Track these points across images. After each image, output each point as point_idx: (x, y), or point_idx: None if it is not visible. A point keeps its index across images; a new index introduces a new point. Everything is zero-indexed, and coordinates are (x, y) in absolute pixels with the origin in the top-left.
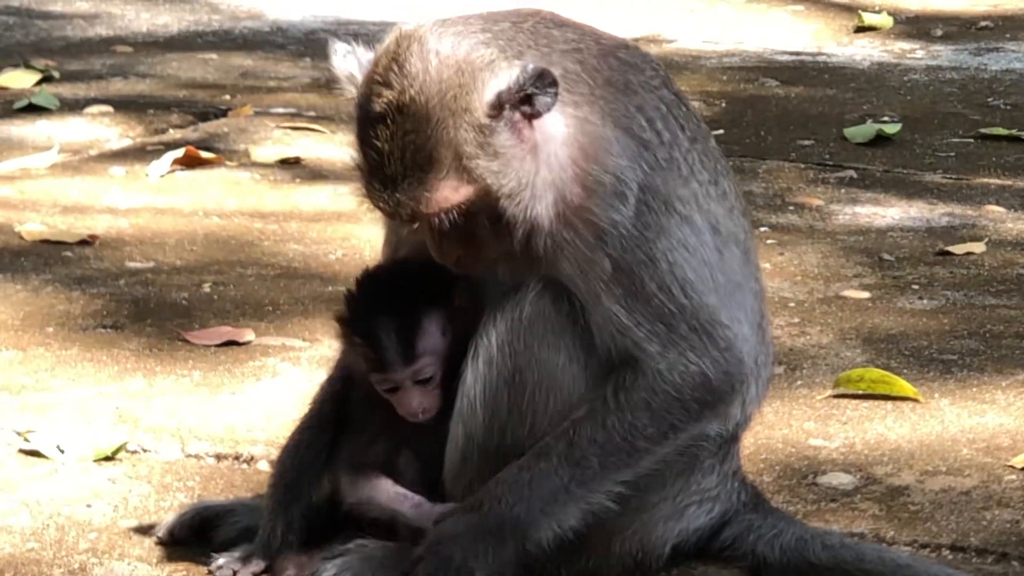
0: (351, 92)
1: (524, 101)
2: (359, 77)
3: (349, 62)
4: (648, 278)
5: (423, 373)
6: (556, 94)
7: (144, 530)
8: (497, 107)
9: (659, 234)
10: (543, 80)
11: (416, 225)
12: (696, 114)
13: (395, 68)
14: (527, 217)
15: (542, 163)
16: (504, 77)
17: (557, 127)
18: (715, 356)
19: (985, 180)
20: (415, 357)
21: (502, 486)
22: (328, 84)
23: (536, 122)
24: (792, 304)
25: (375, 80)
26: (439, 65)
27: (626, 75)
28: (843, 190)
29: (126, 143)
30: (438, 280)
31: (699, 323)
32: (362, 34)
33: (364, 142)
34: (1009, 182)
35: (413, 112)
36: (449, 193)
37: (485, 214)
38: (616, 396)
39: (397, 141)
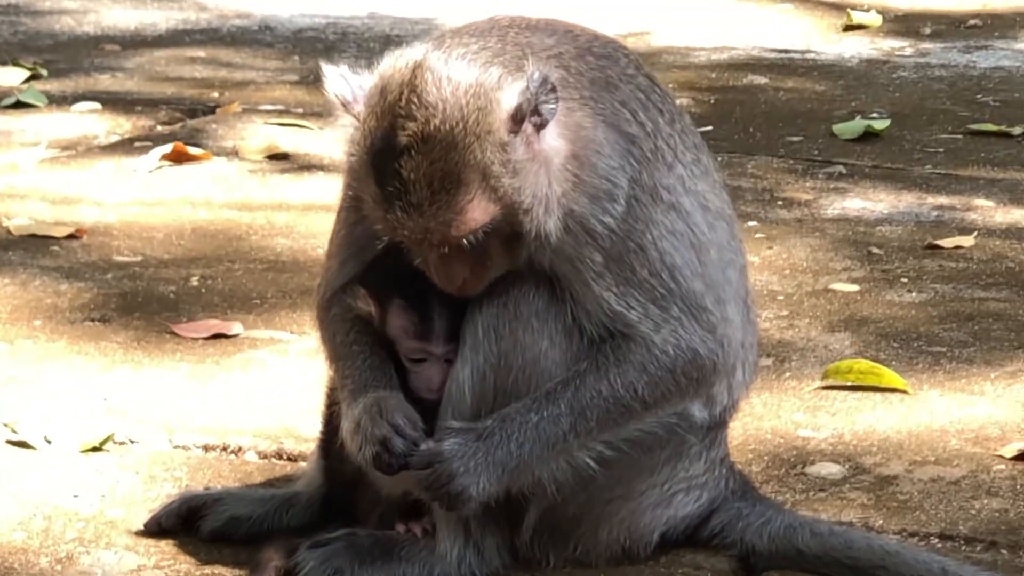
0: (347, 119)
1: (534, 111)
2: (359, 105)
3: (342, 88)
4: (639, 266)
5: (454, 353)
6: (557, 99)
7: (131, 520)
8: (517, 121)
9: (648, 224)
10: (545, 86)
11: (418, 260)
12: (668, 92)
13: (415, 99)
14: (541, 231)
15: (551, 175)
16: (515, 90)
17: (554, 137)
18: (703, 336)
19: (974, 175)
20: (455, 336)
21: (511, 423)
22: (317, 80)
23: (541, 133)
24: (781, 297)
25: (396, 113)
26: (455, 91)
27: (605, 71)
28: (832, 185)
29: (114, 139)
30: None
31: (686, 306)
32: (350, 33)
33: (385, 173)
34: (998, 176)
35: (440, 140)
36: (478, 214)
37: (502, 232)
38: (616, 355)
39: (423, 170)
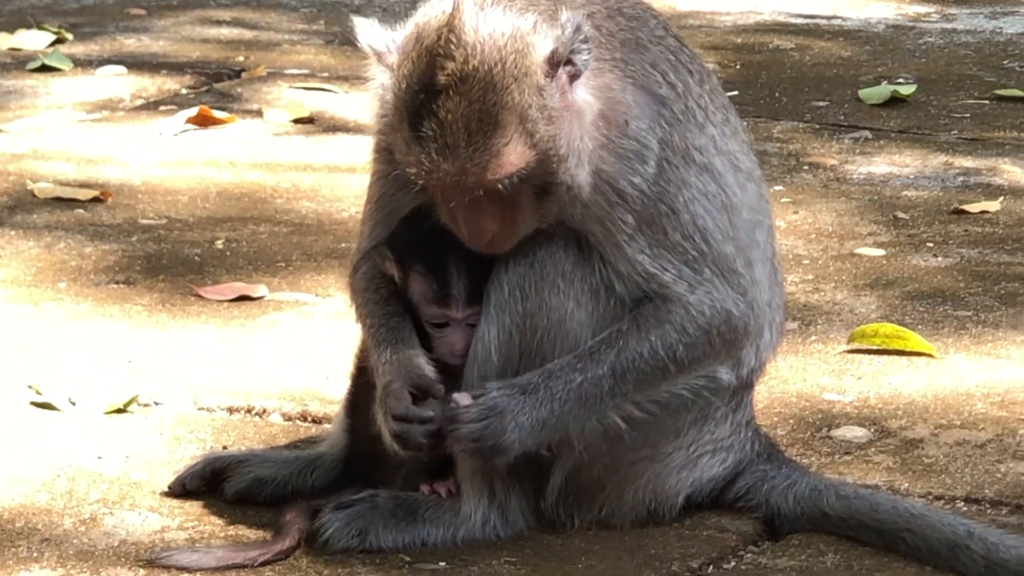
0: (381, 68)
1: (568, 60)
2: (392, 56)
3: (376, 38)
4: (671, 228)
5: (476, 317)
6: (590, 51)
7: (155, 481)
8: (553, 65)
9: (680, 187)
10: (579, 33)
11: (447, 211)
12: (696, 53)
13: (454, 39)
14: (573, 184)
15: (584, 129)
16: (552, 35)
17: (585, 92)
18: (735, 298)
19: (1000, 140)
20: (477, 299)
21: (556, 381)
22: (343, 44)
23: (574, 84)
24: (806, 261)
25: (435, 54)
26: (492, 34)
27: (636, 32)
28: (858, 150)
29: (139, 103)
30: None
31: (718, 268)
32: None
33: (421, 115)
34: None
35: (478, 80)
36: (514, 158)
37: (535, 182)
38: (656, 316)
39: (462, 110)
